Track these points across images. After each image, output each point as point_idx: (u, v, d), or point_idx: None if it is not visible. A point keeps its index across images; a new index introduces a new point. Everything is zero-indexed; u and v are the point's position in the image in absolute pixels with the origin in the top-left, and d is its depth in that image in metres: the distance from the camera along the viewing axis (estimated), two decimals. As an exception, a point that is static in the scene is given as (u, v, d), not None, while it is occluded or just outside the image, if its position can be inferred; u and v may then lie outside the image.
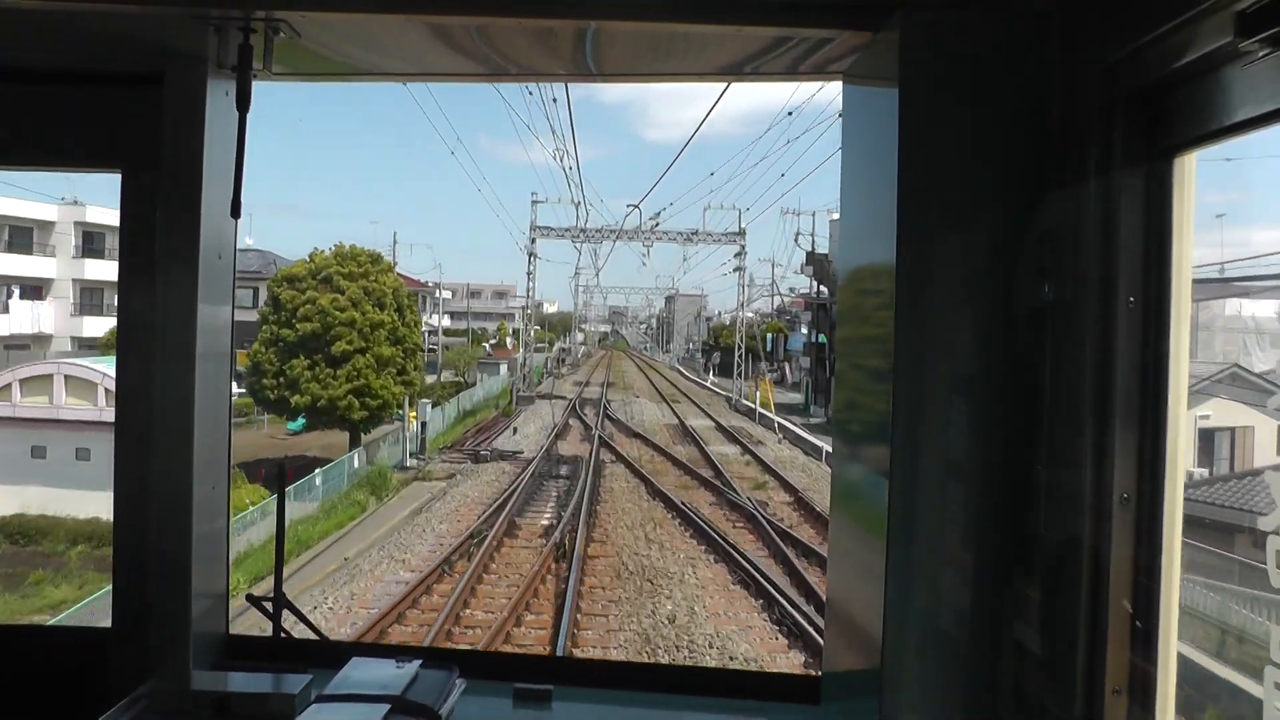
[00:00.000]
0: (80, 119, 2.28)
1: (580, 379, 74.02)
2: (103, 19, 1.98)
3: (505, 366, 67.70)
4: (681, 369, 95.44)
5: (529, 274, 52.68)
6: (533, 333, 55.28)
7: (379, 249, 41.27)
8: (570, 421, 40.56)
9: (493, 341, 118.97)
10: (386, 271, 38.29)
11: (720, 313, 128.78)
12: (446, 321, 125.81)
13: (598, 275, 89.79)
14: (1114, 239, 1.50)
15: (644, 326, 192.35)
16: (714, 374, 79.79)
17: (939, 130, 1.69)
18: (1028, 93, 1.67)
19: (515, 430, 36.60)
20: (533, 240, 51.42)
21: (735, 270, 55.52)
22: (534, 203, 51.51)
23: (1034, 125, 1.66)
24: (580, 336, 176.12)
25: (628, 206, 52.12)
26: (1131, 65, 1.45)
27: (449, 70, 2.37)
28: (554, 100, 36.47)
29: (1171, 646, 1.46)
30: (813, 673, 2.46)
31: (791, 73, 2.19)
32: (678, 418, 42.69)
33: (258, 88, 2.11)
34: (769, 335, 76.01)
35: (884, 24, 1.77)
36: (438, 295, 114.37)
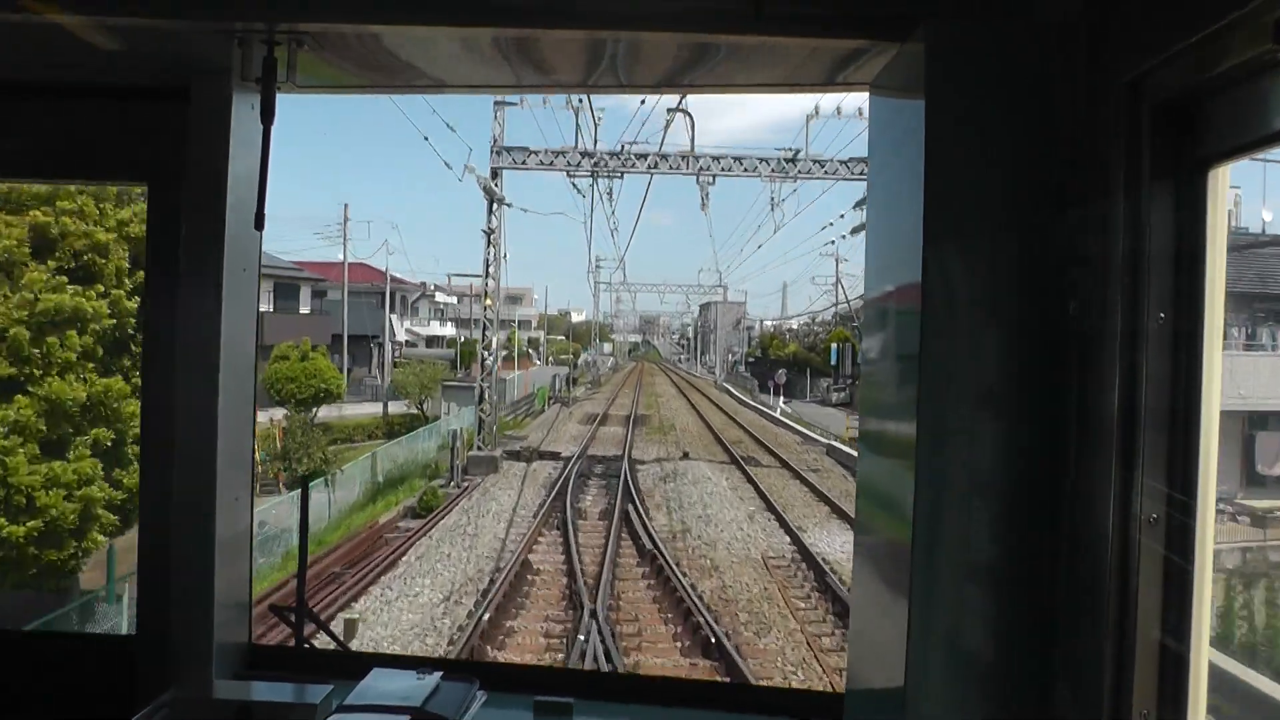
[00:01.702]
0: (108, 133, 2.31)
1: (596, 409, 47.78)
2: (129, 34, 2.02)
3: (495, 389, 41.07)
4: (731, 388, 70.52)
5: (488, 232, 26.38)
6: (495, 340, 28.99)
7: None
8: (540, 550, 17.54)
9: (503, 354, 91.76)
10: (97, 204, 15.48)
11: (761, 320, 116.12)
12: (450, 330, 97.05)
13: (622, 261, 63.78)
14: (1143, 253, 1.48)
15: (677, 336, 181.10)
16: (781, 398, 60.75)
17: (965, 141, 1.69)
18: (1054, 104, 1.65)
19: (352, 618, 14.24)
20: (494, 174, 25.17)
21: (857, 231, 28.90)
22: (498, 103, 25.15)
23: (1061, 137, 1.65)
24: (608, 347, 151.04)
25: (669, 112, 25.76)
26: (1160, 76, 1.44)
27: (475, 82, 2.35)
28: (598, 111, 27.23)
29: (1202, 668, 1.44)
30: (837, 689, 2.37)
31: (820, 84, 2.17)
32: (786, 529, 19.47)
33: (281, 100, 2.13)
34: (833, 346, 62.09)
35: (910, 35, 1.76)
36: (425, 295, 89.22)
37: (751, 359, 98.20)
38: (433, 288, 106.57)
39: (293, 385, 39.22)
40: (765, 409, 55.06)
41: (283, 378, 39.59)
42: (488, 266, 30.71)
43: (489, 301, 31.57)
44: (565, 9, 1.88)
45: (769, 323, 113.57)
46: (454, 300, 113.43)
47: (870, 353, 2.06)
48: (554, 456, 29.91)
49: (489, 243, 29.85)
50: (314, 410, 37.04)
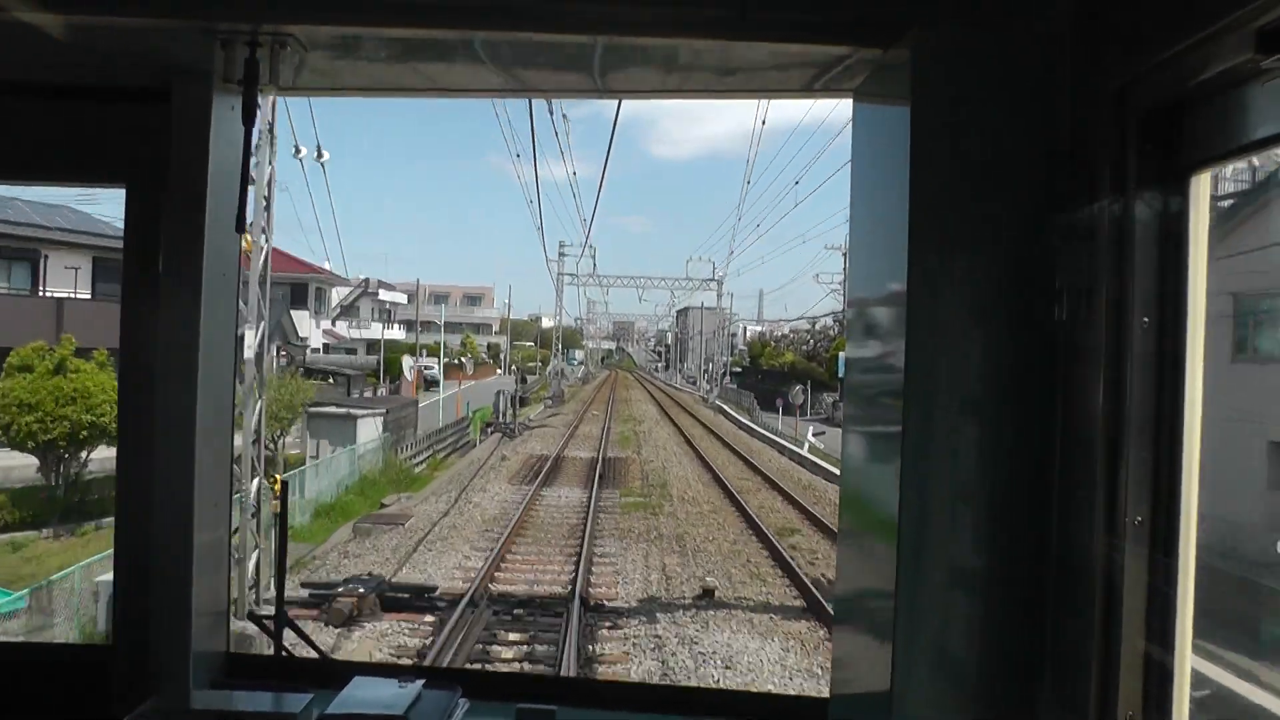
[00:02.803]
0: (86, 134, 2.29)
1: (548, 447, 30.26)
2: (109, 33, 2.02)
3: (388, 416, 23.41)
4: (726, 408, 55.55)
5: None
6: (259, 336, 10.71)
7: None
8: None
9: (450, 360, 78.80)
10: None
11: (745, 325, 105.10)
12: (399, 334, 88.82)
13: (588, 240, 49.35)
14: (1127, 259, 1.52)
15: (653, 343, 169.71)
16: (810, 428, 43.82)
17: (949, 149, 1.71)
18: (1039, 112, 1.68)
19: None
20: None
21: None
22: None
23: (1046, 144, 1.67)
24: (579, 354, 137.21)
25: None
26: (1145, 84, 1.47)
27: (456, 86, 2.35)
28: (564, 116, 30.89)
29: (1185, 671, 1.47)
30: (821, 694, 2.29)
31: (803, 90, 2.17)
32: None
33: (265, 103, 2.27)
34: (841, 355, 48.53)
35: (894, 42, 1.79)
36: (368, 293, 75.96)
37: (738, 369, 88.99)
38: (376, 284, 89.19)
39: (29, 417, 21.76)
40: (783, 441, 37.97)
41: (12, 404, 21.62)
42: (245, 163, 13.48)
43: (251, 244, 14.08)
44: (550, 13, 1.88)
45: (754, 328, 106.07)
46: (403, 299, 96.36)
47: (855, 360, 2.08)
48: (409, 605, 12.51)
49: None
50: (82, 457, 22.31)
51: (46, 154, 2.29)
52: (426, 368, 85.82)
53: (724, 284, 67.48)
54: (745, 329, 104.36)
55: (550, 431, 41.17)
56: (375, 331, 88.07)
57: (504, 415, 43.64)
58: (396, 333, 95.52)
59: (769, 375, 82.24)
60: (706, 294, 79.83)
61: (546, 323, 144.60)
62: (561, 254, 65.29)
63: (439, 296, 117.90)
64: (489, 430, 41.54)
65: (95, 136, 2.25)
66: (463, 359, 75.00)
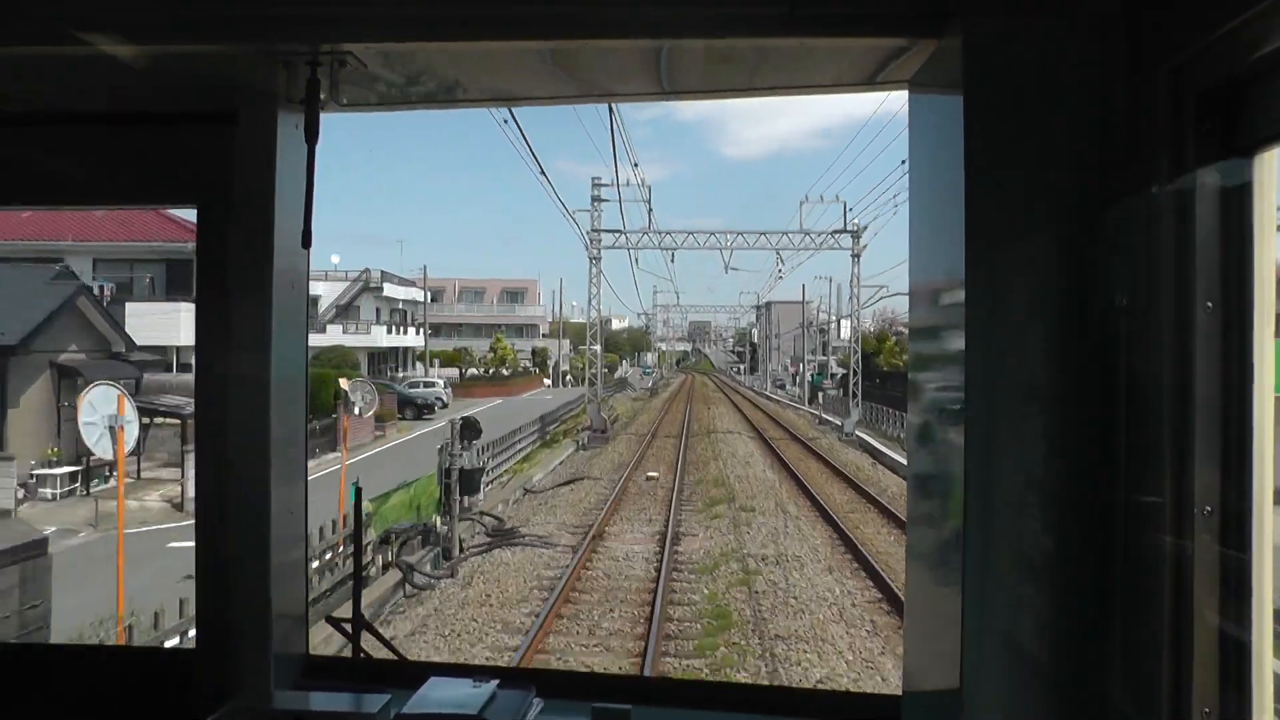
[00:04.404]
0: (158, 158, 2.40)
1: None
2: (177, 61, 2.16)
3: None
4: (873, 441, 26.34)
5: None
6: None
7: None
8: None
9: (475, 370, 51.10)
10: None
11: (838, 317, 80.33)
12: (415, 340, 71.01)
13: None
14: (1189, 242, 1.49)
15: (731, 343, 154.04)
16: None
17: (1005, 137, 1.72)
18: (1094, 96, 1.67)
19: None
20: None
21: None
22: None
23: (1102, 128, 1.66)
24: (651, 358, 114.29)
25: None
26: (1202, 62, 1.46)
27: (516, 95, 2.43)
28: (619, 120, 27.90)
29: (1266, 665, 1.44)
30: (894, 692, 2.28)
31: (861, 84, 2.19)
32: None
33: (327, 119, 2.24)
34: None
35: (947, 31, 1.82)
36: (369, 288, 54.40)
37: (842, 370, 71.35)
38: (379, 276, 64.50)
39: None
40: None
41: None
42: None
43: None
44: (603, 20, 1.93)
45: (848, 323, 77.63)
46: (417, 295, 70.72)
47: (916, 351, 2.11)
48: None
49: None
50: None
51: (120, 178, 2.40)
52: (427, 384, 58.46)
53: (860, 239, 41.67)
54: (838, 321, 79.36)
55: (527, 565, 16.60)
56: (375, 338, 63.57)
57: (444, 511, 18.90)
58: (412, 338, 70.97)
59: (891, 379, 58.84)
60: (835, 254, 53.83)
61: (616, 324, 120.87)
62: (596, 198, 39.43)
63: (474, 293, 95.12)
64: (397, 551, 16.98)
65: (166, 159, 2.35)
66: (341, 389, 47.58)
